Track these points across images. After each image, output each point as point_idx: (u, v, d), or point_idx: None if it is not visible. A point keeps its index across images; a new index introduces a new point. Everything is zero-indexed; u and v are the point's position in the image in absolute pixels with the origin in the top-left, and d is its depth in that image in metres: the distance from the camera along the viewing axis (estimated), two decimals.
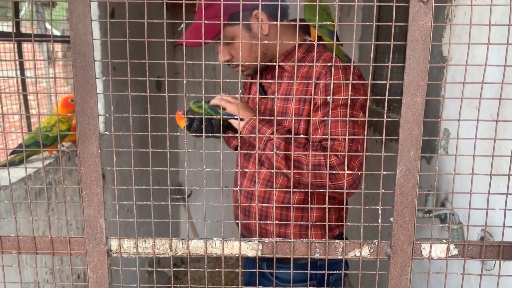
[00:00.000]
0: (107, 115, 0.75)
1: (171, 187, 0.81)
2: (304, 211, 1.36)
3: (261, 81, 1.42)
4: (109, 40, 0.72)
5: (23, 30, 2.05)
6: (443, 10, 1.81)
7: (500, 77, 0.91)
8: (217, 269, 0.77)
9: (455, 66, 1.50)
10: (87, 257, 0.78)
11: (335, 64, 1.23)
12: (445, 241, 0.77)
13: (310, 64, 1.31)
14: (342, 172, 1.12)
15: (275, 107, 1.22)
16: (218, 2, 0.74)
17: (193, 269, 0.76)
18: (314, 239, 0.78)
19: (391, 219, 0.76)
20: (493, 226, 0.89)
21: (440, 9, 1.80)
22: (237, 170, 1.45)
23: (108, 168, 0.78)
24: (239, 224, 1.45)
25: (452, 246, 0.77)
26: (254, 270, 0.89)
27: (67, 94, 1.77)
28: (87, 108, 0.73)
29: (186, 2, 0.70)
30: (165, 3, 0.72)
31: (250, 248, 0.78)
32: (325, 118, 1.22)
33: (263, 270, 1.08)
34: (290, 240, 0.77)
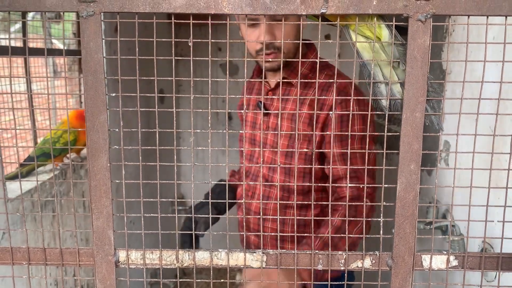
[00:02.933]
0: (116, 130, 0.77)
1: (173, 199, 0.83)
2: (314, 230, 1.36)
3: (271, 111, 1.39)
4: (119, 58, 0.75)
5: (30, 44, 2.09)
6: (442, 25, 1.84)
7: (502, 91, 0.94)
8: (222, 280, 0.79)
9: (458, 82, 1.53)
10: (95, 268, 0.80)
11: (351, 95, 1.23)
12: (445, 252, 0.79)
13: (326, 81, 1.28)
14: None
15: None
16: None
17: (199, 280, 0.78)
18: (317, 251, 0.80)
19: (394, 230, 0.78)
20: (493, 238, 0.91)
21: (439, 21, 1.82)
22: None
23: (114, 181, 0.81)
24: (249, 241, 1.44)
25: (452, 258, 0.79)
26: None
27: (80, 109, 1.80)
28: (97, 123, 0.76)
29: (194, 22, 0.73)
30: (173, 22, 0.74)
31: (255, 260, 0.80)
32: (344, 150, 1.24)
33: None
34: (294, 252, 0.79)
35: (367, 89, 0.79)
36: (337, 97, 1.24)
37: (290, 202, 1.34)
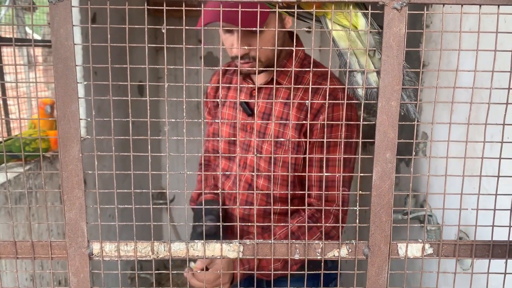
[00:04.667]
0: (89, 119, 0.75)
1: (154, 191, 0.82)
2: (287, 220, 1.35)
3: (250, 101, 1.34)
4: (90, 45, 0.73)
5: (2, 34, 2.04)
6: (421, 17, 1.85)
7: (476, 81, 0.95)
8: (198, 271, 0.78)
9: (432, 71, 1.54)
10: (68, 261, 0.78)
11: (339, 100, 1.18)
12: (421, 240, 0.80)
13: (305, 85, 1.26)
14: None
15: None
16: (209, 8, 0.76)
17: (175, 272, 0.77)
18: (294, 241, 0.79)
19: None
20: (467, 225, 0.92)
21: (418, 16, 1.84)
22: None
23: (89, 172, 0.79)
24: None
25: (427, 246, 0.80)
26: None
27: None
28: (69, 113, 0.74)
29: (167, 8, 0.71)
30: (146, 9, 0.73)
31: (232, 250, 0.79)
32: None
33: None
34: (270, 242, 0.79)
35: (344, 79, 0.79)
36: (325, 101, 1.21)
37: (273, 208, 1.32)
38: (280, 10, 0.71)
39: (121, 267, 0.83)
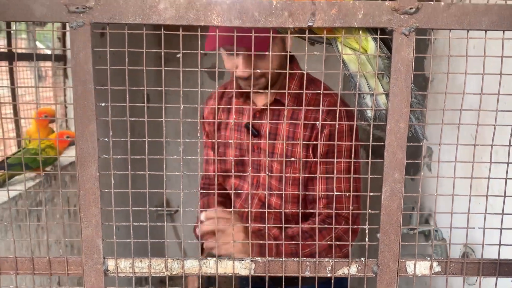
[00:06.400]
0: (106, 139, 0.78)
1: (159, 209, 0.84)
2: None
3: (253, 121, 1.35)
4: (109, 68, 0.76)
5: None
6: (424, 33, 1.88)
7: (479, 98, 0.97)
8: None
9: (437, 87, 1.56)
10: (84, 277, 0.80)
11: (340, 110, 1.25)
12: (429, 258, 0.81)
13: (312, 106, 1.29)
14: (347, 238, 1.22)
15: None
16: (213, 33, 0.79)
17: None
18: (304, 258, 0.81)
19: (378, 235, 0.80)
20: (474, 244, 0.94)
21: (421, 33, 1.86)
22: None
23: (102, 190, 0.81)
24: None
25: (435, 264, 0.81)
26: None
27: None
28: (87, 132, 0.76)
29: (183, 33, 0.74)
30: (162, 34, 0.75)
31: (244, 267, 0.81)
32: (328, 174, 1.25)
33: None
34: (281, 260, 0.81)
35: (353, 100, 0.81)
36: (326, 115, 1.25)
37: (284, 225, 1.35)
38: (292, 35, 0.73)
39: (126, 280, 0.85)
